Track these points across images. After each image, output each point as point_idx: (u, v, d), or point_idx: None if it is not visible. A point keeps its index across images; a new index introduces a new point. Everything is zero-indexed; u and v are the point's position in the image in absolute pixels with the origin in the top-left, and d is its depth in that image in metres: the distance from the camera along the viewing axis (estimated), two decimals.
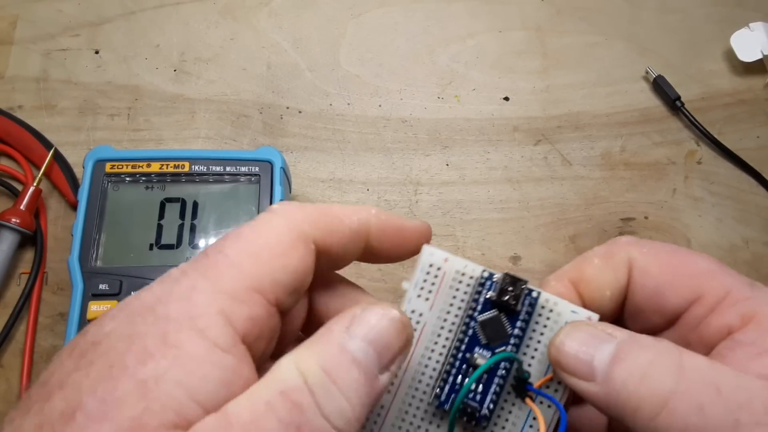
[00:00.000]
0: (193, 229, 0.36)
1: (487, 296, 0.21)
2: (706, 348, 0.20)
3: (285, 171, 0.38)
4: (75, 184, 0.41)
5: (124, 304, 0.18)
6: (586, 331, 0.20)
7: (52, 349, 0.37)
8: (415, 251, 0.22)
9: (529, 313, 0.21)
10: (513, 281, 0.21)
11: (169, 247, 0.36)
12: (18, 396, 0.36)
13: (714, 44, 0.49)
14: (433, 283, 0.22)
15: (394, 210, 0.42)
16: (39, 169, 0.40)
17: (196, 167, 0.37)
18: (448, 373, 0.21)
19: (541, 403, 0.21)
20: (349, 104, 0.46)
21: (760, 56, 0.47)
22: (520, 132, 0.45)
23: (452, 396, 0.21)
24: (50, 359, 0.36)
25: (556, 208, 0.43)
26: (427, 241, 0.22)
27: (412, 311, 0.21)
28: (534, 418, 0.21)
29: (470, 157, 0.44)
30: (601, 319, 0.21)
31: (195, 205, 0.37)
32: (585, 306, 0.22)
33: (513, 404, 0.21)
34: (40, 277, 0.39)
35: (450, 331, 0.22)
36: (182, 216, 0.37)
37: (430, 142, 0.45)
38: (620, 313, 0.23)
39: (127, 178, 0.37)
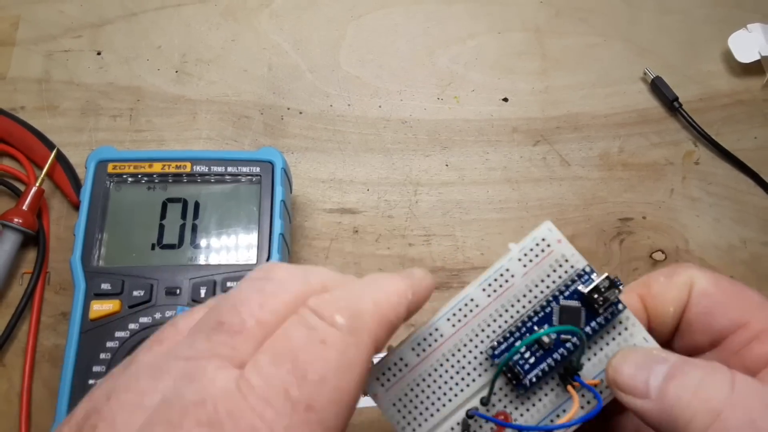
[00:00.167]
0: (194, 229, 0.37)
1: (580, 288, 0.23)
2: (746, 373, 0.21)
3: (286, 171, 0.38)
4: (77, 185, 0.41)
5: None
6: (641, 353, 0.21)
7: (54, 348, 0.38)
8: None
9: (607, 320, 0.23)
10: (610, 286, 0.22)
11: (171, 247, 0.36)
12: (19, 395, 0.36)
13: (712, 45, 0.49)
14: (537, 255, 0.23)
15: (394, 210, 0.43)
16: (41, 169, 0.41)
17: (198, 168, 0.37)
18: (512, 334, 0.23)
19: (583, 396, 0.23)
20: (349, 105, 0.46)
21: (757, 57, 0.47)
22: (519, 133, 0.46)
23: (505, 354, 0.23)
24: (52, 358, 0.37)
25: (554, 209, 0.43)
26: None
27: (507, 269, 0.23)
28: (564, 410, 0.23)
29: (470, 158, 0.45)
30: (662, 334, 0.23)
31: (196, 205, 0.37)
32: (650, 320, 0.24)
33: (552, 389, 0.23)
34: (43, 276, 0.39)
35: (530, 301, 0.23)
36: (184, 216, 0.37)
37: (430, 143, 0.45)
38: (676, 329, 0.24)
39: (129, 179, 0.37)
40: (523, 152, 0.45)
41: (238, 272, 0.35)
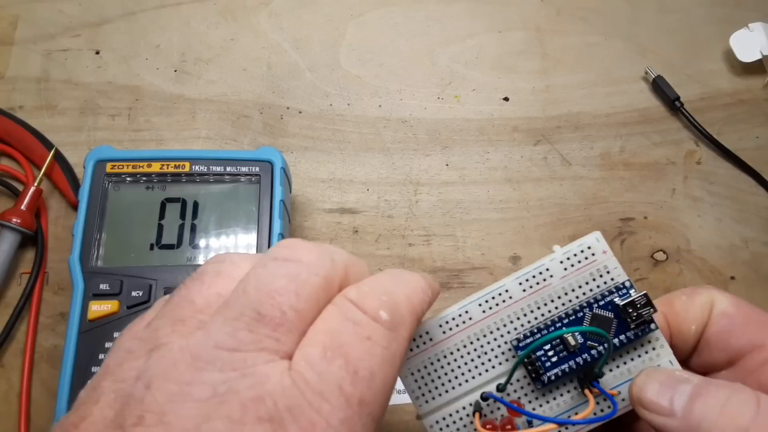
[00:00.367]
0: (193, 229, 0.36)
1: (616, 300, 0.23)
2: (762, 392, 0.21)
3: (285, 171, 0.38)
4: (76, 184, 0.41)
5: None
6: (665, 373, 0.22)
7: (53, 348, 0.38)
8: None
9: (637, 336, 0.23)
10: (646, 304, 0.23)
11: (170, 247, 0.36)
12: (18, 395, 0.36)
13: (713, 44, 0.49)
14: (579, 261, 0.24)
15: (394, 210, 0.42)
16: (40, 169, 0.40)
17: (197, 167, 0.37)
18: (539, 330, 0.23)
19: (598, 404, 0.24)
20: (349, 104, 0.46)
21: (759, 56, 0.47)
22: (520, 132, 0.46)
23: (528, 347, 0.23)
24: (51, 359, 0.37)
25: (555, 208, 0.43)
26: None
27: (547, 269, 0.24)
28: (576, 413, 0.24)
29: (470, 157, 0.44)
30: (683, 351, 0.24)
31: (195, 205, 0.37)
32: (672, 336, 0.25)
33: (569, 391, 0.24)
34: (41, 277, 0.39)
35: (563, 304, 0.24)
36: (183, 216, 0.37)
37: (430, 142, 0.45)
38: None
39: (128, 178, 0.37)
40: (523, 152, 0.45)
41: None
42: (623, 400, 0.23)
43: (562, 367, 0.23)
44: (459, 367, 0.24)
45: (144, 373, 0.17)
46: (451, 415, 0.24)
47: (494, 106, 0.46)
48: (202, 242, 0.36)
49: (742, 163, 0.45)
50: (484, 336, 0.24)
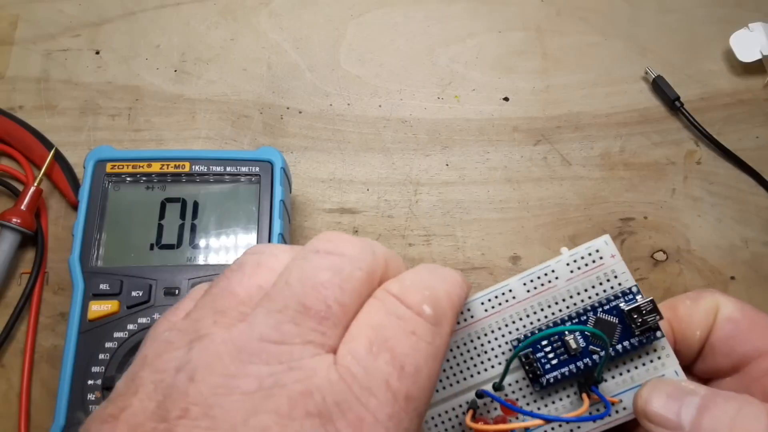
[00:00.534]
0: (193, 229, 0.36)
1: (621, 305, 0.23)
2: (766, 400, 0.21)
3: (285, 171, 0.38)
4: (76, 184, 0.41)
5: None
6: (671, 385, 0.21)
7: (53, 349, 0.38)
8: None
9: (642, 344, 0.23)
10: (652, 311, 0.22)
11: (170, 247, 0.36)
12: (18, 395, 0.36)
13: (713, 44, 0.49)
14: (586, 264, 0.23)
15: (394, 210, 0.42)
16: (40, 169, 0.40)
17: (197, 167, 0.37)
18: (540, 330, 0.23)
19: (597, 410, 0.23)
20: (349, 104, 0.46)
21: (759, 56, 0.47)
22: (520, 132, 0.46)
23: (527, 349, 0.23)
24: (51, 359, 0.37)
25: (555, 208, 0.43)
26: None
27: (552, 271, 0.23)
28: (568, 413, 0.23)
29: (470, 157, 0.44)
30: (686, 357, 0.24)
31: (195, 205, 0.37)
32: (676, 342, 0.24)
33: (568, 396, 0.23)
34: (41, 277, 0.39)
35: (567, 307, 0.23)
36: (183, 216, 0.37)
37: (430, 142, 0.45)
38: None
39: (128, 178, 0.37)
40: (523, 152, 0.45)
41: None
42: (624, 408, 0.23)
43: (562, 370, 0.23)
44: (458, 364, 0.24)
45: (186, 364, 0.17)
46: (447, 412, 0.24)
47: (494, 106, 0.46)
48: (202, 242, 0.36)
49: (742, 163, 0.45)
50: (485, 335, 0.24)
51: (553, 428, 0.23)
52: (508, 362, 0.23)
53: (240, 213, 0.37)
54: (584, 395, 0.23)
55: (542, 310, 0.23)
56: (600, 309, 0.23)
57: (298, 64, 0.47)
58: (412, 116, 0.46)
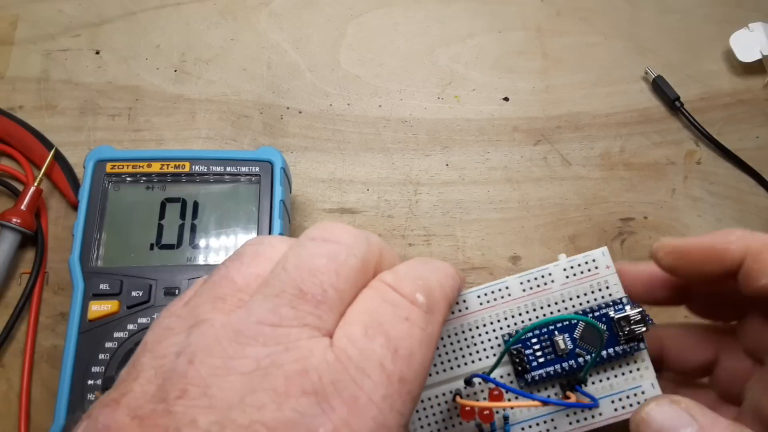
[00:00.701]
0: (193, 229, 0.36)
1: (610, 314, 0.24)
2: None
3: (285, 171, 0.38)
4: (76, 184, 0.41)
5: None
6: (668, 411, 0.21)
7: (53, 349, 0.38)
8: None
9: (626, 352, 0.24)
10: (640, 321, 0.23)
11: (170, 247, 0.36)
12: (18, 395, 0.36)
13: (713, 44, 0.49)
14: (582, 272, 0.24)
15: (394, 210, 0.42)
16: (40, 169, 0.40)
17: (197, 167, 0.37)
18: (530, 331, 0.24)
19: (582, 411, 0.24)
20: (349, 104, 0.46)
21: (759, 57, 0.47)
22: (520, 132, 0.46)
23: (518, 344, 0.24)
24: (51, 359, 0.37)
25: (555, 208, 0.43)
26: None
27: (549, 274, 0.24)
28: (552, 419, 0.24)
29: (470, 157, 0.44)
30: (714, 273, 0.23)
31: (195, 205, 0.37)
32: (707, 258, 0.23)
33: (549, 397, 0.24)
34: (41, 277, 0.39)
35: (559, 310, 0.24)
36: (183, 216, 0.37)
37: (430, 142, 0.45)
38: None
39: (128, 178, 0.37)
40: (523, 152, 0.45)
41: None
42: (600, 414, 0.24)
43: (548, 369, 0.24)
44: (447, 353, 0.24)
45: (185, 348, 0.17)
46: (429, 399, 0.24)
47: (494, 106, 0.46)
48: (202, 242, 0.36)
49: (742, 163, 0.45)
50: (477, 327, 0.24)
51: (530, 426, 0.24)
52: (502, 353, 0.23)
53: (240, 213, 0.37)
54: (569, 393, 0.24)
55: (534, 310, 0.24)
56: (590, 315, 0.24)
57: (298, 64, 0.47)
58: (412, 116, 0.46)
